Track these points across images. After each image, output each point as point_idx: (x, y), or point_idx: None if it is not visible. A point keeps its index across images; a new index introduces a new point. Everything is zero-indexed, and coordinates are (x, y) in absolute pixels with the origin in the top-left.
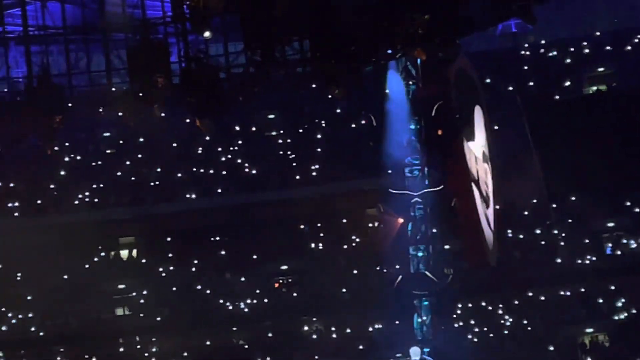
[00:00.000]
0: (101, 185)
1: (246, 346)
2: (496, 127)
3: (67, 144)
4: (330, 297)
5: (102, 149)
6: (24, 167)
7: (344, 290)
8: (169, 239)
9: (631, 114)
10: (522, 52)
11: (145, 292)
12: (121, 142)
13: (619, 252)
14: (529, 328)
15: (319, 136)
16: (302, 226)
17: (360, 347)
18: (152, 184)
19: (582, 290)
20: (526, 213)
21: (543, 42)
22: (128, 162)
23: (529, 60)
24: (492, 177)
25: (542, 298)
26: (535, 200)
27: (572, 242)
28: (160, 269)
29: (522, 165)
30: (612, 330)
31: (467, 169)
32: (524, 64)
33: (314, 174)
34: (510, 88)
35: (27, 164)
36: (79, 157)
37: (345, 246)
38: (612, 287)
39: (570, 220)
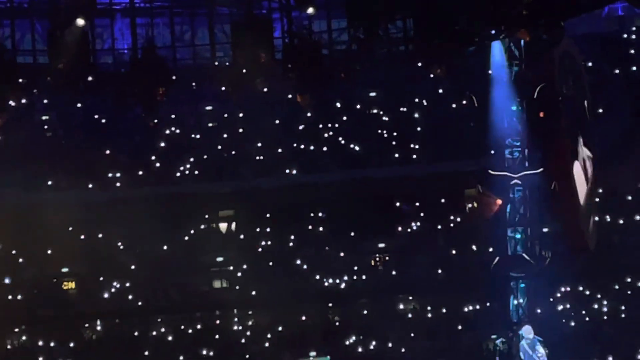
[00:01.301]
0: (203, 158)
1: (341, 323)
2: (600, 110)
3: (169, 116)
4: (427, 276)
5: (203, 123)
6: (127, 138)
7: (440, 270)
8: (267, 214)
9: None
10: (628, 36)
11: (242, 266)
12: (223, 116)
13: None
14: (628, 314)
15: (419, 115)
16: (401, 205)
17: (456, 327)
18: (252, 158)
19: None
20: (628, 198)
21: None
22: (229, 136)
23: (635, 45)
24: (593, 161)
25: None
26: (637, 185)
27: None
28: (258, 243)
29: (624, 150)
30: None
31: (568, 151)
32: (629, 48)
33: (413, 154)
34: (616, 71)
35: (130, 135)
36: (180, 130)
37: (443, 226)
38: None
39: None
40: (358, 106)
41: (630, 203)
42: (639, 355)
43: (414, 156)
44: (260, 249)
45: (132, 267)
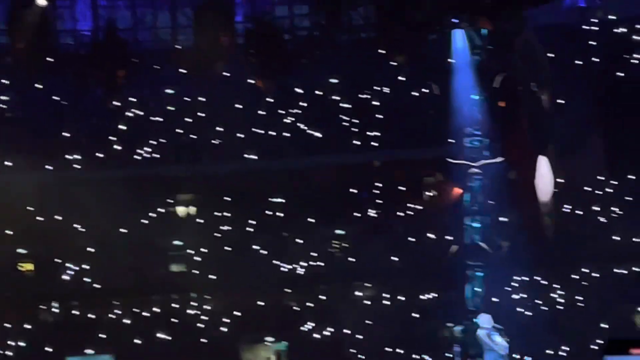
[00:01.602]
0: (161, 142)
1: (298, 309)
2: (560, 101)
3: (129, 99)
4: (384, 264)
5: (164, 106)
6: (86, 120)
7: (398, 258)
8: (226, 198)
9: None
10: (589, 28)
11: (200, 250)
12: (184, 100)
13: None
14: (583, 304)
15: (380, 103)
16: (359, 192)
17: (413, 314)
18: (212, 142)
19: (638, 269)
20: (586, 189)
21: (611, 18)
22: (189, 120)
23: (596, 36)
24: (553, 152)
25: (597, 275)
26: (595, 177)
27: (630, 220)
28: (217, 228)
29: (584, 141)
30: None
31: (527, 142)
32: (590, 40)
33: (373, 141)
34: (576, 62)
35: (90, 117)
36: (141, 113)
37: (401, 214)
38: None
39: (629, 199)
40: (319, 92)
41: (588, 194)
42: (594, 346)
43: (374, 143)
44: (218, 234)
45: (90, 249)
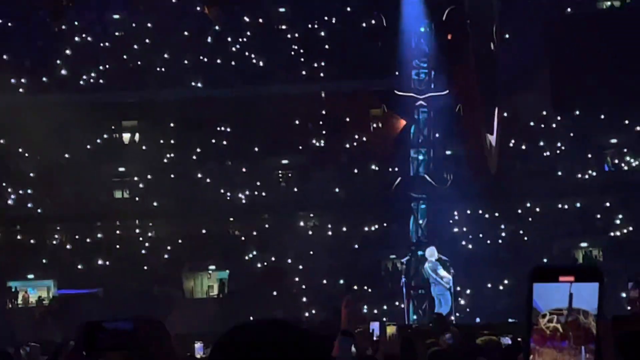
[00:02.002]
0: (107, 67)
1: (242, 237)
2: (507, 36)
3: (75, 22)
4: (329, 194)
5: (110, 31)
6: (32, 44)
7: (342, 188)
8: (172, 124)
9: None
10: None
11: (144, 177)
12: (131, 25)
13: (619, 169)
14: (525, 238)
15: (327, 33)
16: (305, 122)
17: (355, 246)
18: (158, 69)
19: (580, 204)
20: (531, 124)
21: None
22: (136, 46)
23: None
24: (499, 86)
25: (539, 210)
26: (540, 112)
27: (573, 156)
28: (161, 155)
29: (530, 76)
30: (606, 246)
31: (473, 75)
32: None
33: (320, 72)
34: None
35: (35, 41)
36: (87, 38)
37: (347, 145)
38: (610, 204)
39: (573, 135)
40: (267, 21)
41: (533, 129)
42: None
43: (321, 74)
44: (163, 161)
45: (33, 174)
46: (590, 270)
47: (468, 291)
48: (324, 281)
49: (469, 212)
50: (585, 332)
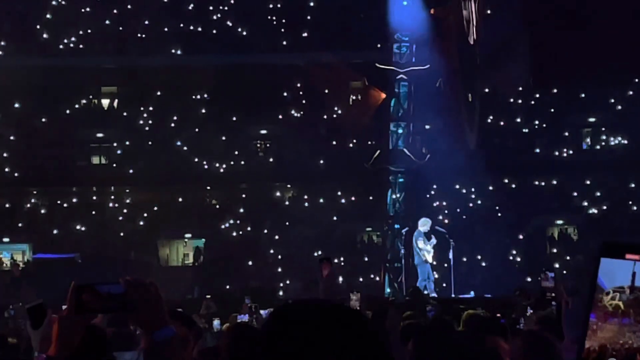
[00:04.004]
0: (88, 32)
1: (218, 206)
2: (489, 12)
3: None
4: (307, 165)
5: None
6: (10, 6)
7: (320, 160)
8: (151, 92)
9: (628, 9)
10: None
11: (123, 144)
12: None
13: (597, 148)
14: (500, 214)
15: (310, 3)
16: (284, 92)
17: (333, 218)
18: (138, 35)
19: (557, 182)
20: (510, 100)
21: None
22: (116, 12)
23: None
24: (479, 62)
25: (514, 186)
26: (519, 88)
27: (551, 133)
28: (140, 122)
29: (510, 52)
30: (581, 223)
31: (454, 50)
32: None
33: (301, 42)
34: None
35: (14, 4)
36: (65, 2)
37: (326, 116)
38: (587, 182)
39: (552, 111)
40: None
41: (511, 105)
42: (509, 256)
43: (302, 44)
44: (141, 127)
45: (10, 137)
46: None
47: (445, 265)
48: (300, 252)
49: (446, 186)
50: None
